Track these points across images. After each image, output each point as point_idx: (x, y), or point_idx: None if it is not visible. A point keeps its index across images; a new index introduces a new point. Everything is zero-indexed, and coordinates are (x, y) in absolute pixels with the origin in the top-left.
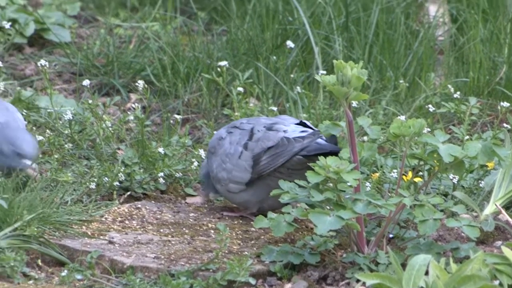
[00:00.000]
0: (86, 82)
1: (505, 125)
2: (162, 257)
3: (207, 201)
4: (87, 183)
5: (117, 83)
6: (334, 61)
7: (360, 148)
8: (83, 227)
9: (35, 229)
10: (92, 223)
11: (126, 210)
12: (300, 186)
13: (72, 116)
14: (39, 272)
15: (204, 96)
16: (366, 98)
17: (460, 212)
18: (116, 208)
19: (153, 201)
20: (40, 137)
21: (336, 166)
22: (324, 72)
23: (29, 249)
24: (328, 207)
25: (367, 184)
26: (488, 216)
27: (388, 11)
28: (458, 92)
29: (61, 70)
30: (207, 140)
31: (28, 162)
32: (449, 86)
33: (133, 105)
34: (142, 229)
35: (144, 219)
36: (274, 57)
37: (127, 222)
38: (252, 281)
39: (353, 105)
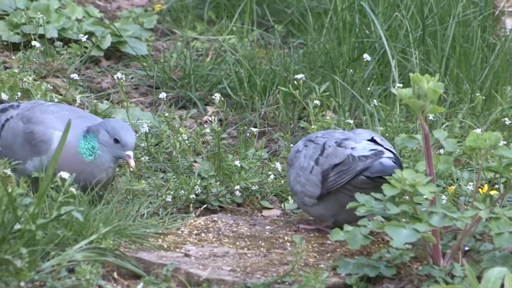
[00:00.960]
0: (162, 95)
1: None
2: (238, 270)
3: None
4: (163, 196)
5: (194, 96)
6: (411, 74)
7: (436, 161)
8: (159, 240)
9: (111, 242)
10: (168, 236)
11: (202, 223)
12: (376, 199)
13: (149, 129)
14: (115, 285)
15: (281, 109)
16: (442, 111)
17: None
18: (192, 221)
19: (229, 214)
20: None
21: (412, 179)
22: (401, 85)
23: (105, 262)
24: (404, 220)
25: (443, 197)
26: None
27: (465, 24)
28: None
29: (137, 83)
30: (284, 153)
31: (128, 152)
32: None
33: (209, 118)
34: (218, 242)
35: (220, 232)
36: (351, 70)
37: (203, 235)
38: None
39: (429, 118)
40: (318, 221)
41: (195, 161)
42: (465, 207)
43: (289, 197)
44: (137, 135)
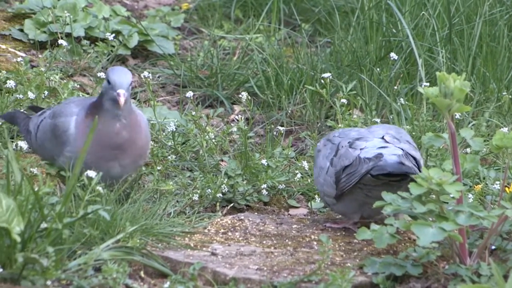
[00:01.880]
0: (189, 94)
1: None
2: (265, 268)
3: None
4: (190, 195)
5: (221, 95)
6: (437, 73)
7: (462, 160)
8: (186, 238)
9: (138, 240)
10: (195, 235)
11: (229, 222)
12: (402, 197)
13: (176, 128)
14: (141, 283)
15: (308, 107)
16: (468, 110)
17: None
18: (219, 219)
19: (256, 213)
20: None
21: (439, 178)
22: (427, 84)
23: (131, 260)
24: (430, 219)
25: (470, 195)
26: None
27: (492, 23)
28: None
29: (164, 81)
30: (311, 152)
31: (119, 91)
32: None
33: (236, 117)
34: (245, 241)
35: (247, 231)
36: (378, 69)
37: (230, 233)
38: None
39: (456, 116)
40: (345, 219)
41: (222, 160)
42: (492, 206)
43: (316, 196)
44: (164, 134)
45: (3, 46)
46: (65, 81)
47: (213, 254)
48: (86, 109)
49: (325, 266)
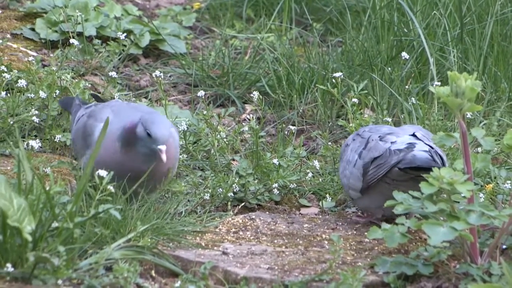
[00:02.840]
0: (201, 93)
1: None
2: (276, 268)
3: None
4: (201, 194)
5: (232, 94)
6: (449, 72)
7: (473, 159)
8: (197, 238)
9: (149, 240)
10: (206, 234)
11: (240, 221)
12: (414, 197)
13: (187, 127)
14: (152, 283)
15: (319, 107)
16: (480, 109)
17: None
18: (230, 219)
19: (267, 212)
20: None
21: (450, 177)
22: (439, 83)
23: (142, 260)
24: (441, 218)
25: (481, 195)
26: None
27: (503, 22)
28: None
29: (176, 81)
30: (322, 151)
31: (160, 146)
32: None
33: (248, 116)
34: (256, 240)
35: (258, 230)
36: (389, 68)
37: (241, 233)
38: None
39: (467, 116)
40: (369, 214)
41: (233, 159)
42: (503, 205)
43: (327, 195)
44: None
45: (15, 45)
46: (76, 80)
47: (224, 253)
48: (123, 133)
49: (336, 265)
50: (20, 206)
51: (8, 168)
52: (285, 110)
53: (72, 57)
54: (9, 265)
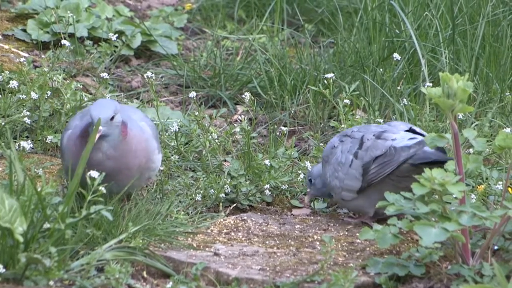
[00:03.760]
0: (192, 94)
1: None
2: (268, 269)
3: (310, 202)
4: (193, 195)
5: (224, 95)
6: (440, 73)
7: (465, 160)
8: (189, 239)
9: (141, 241)
10: (198, 235)
11: (232, 222)
12: (405, 198)
13: (179, 128)
14: (144, 284)
15: (311, 108)
16: (471, 110)
17: None
18: (222, 220)
19: (259, 213)
20: None
21: (442, 178)
22: (431, 84)
23: (134, 260)
24: (433, 219)
25: (472, 196)
26: None
27: (495, 24)
28: None
29: (167, 82)
30: (314, 152)
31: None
32: None
33: (239, 117)
34: (247, 241)
35: (250, 231)
36: (381, 69)
37: (232, 234)
38: None
39: (459, 117)
40: (361, 214)
41: (225, 160)
42: (495, 206)
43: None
44: (167, 134)
45: (6, 46)
46: (68, 81)
47: (216, 254)
48: (82, 128)
49: (328, 266)
50: (12, 207)
51: (0, 169)
52: (277, 111)
53: (64, 58)
54: (0, 266)
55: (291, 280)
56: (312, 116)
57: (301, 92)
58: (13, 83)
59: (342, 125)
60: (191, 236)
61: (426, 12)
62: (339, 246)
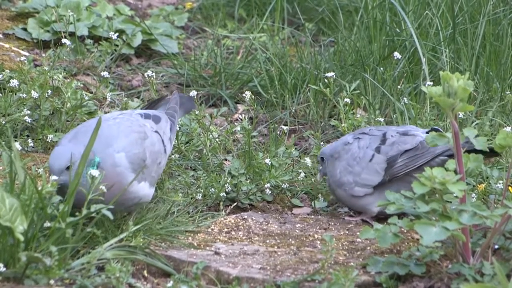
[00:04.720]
0: (193, 93)
1: None
2: (268, 268)
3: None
4: (194, 194)
5: (224, 94)
6: (441, 72)
7: (466, 159)
8: (189, 238)
9: (141, 240)
10: (198, 234)
11: (233, 221)
12: (406, 197)
13: (179, 127)
14: (144, 283)
15: (311, 107)
16: (472, 109)
17: None
18: (222, 219)
19: (259, 212)
20: None
21: (442, 177)
22: (431, 83)
23: (134, 260)
24: (433, 218)
25: (473, 195)
26: None
27: (495, 22)
28: None
29: (168, 81)
30: (314, 151)
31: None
32: None
33: (240, 116)
34: (248, 240)
35: (251, 230)
36: (381, 68)
37: (233, 233)
38: None
39: (459, 116)
40: (363, 212)
41: (226, 159)
42: (495, 205)
43: (319, 195)
44: None
45: (7, 45)
46: (68, 80)
47: (216, 253)
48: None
49: (329, 265)
50: (12, 206)
51: (0, 168)
52: (277, 110)
53: (64, 57)
54: (1, 265)
55: (291, 279)
56: (313, 115)
57: (302, 91)
58: (14, 82)
59: (343, 124)
60: (192, 235)
61: (427, 11)
62: (340, 245)
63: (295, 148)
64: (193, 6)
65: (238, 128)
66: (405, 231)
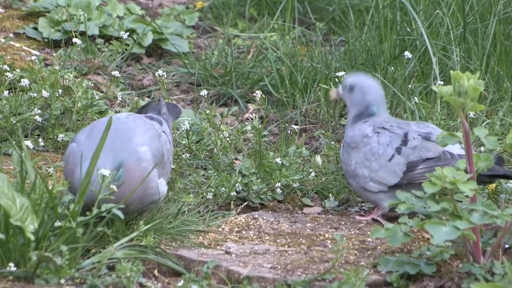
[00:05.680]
0: (204, 92)
1: None
2: (279, 267)
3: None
4: (204, 193)
5: (235, 93)
6: (451, 71)
7: (476, 159)
8: (200, 237)
9: (152, 239)
10: (209, 234)
11: (243, 220)
12: (416, 196)
13: (190, 126)
14: (155, 282)
15: (322, 106)
16: (482, 108)
17: None
18: (233, 218)
19: (270, 211)
20: None
21: (453, 177)
22: (442, 82)
23: (145, 259)
24: (444, 218)
25: (483, 194)
26: None
27: (506, 22)
28: None
29: (179, 80)
30: (325, 150)
31: None
32: None
33: (250, 115)
34: (259, 239)
35: (261, 229)
36: (392, 68)
37: (244, 232)
38: None
39: (470, 115)
40: (373, 211)
41: (236, 159)
42: (505, 204)
43: (330, 195)
44: (178, 132)
45: (18, 45)
46: (79, 79)
47: (227, 252)
48: None
49: (339, 264)
50: (23, 205)
51: (11, 167)
52: (288, 109)
53: (75, 56)
54: (11, 264)
55: (302, 278)
56: (323, 114)
57: (312, 90)
58: (24, 81)
59: None
60: (202, 234)
61: (437, 11)
62: (350, 244)
63: (306, 148)
64: (204, 5)
65: (249, 128)
66: (415, 230)
